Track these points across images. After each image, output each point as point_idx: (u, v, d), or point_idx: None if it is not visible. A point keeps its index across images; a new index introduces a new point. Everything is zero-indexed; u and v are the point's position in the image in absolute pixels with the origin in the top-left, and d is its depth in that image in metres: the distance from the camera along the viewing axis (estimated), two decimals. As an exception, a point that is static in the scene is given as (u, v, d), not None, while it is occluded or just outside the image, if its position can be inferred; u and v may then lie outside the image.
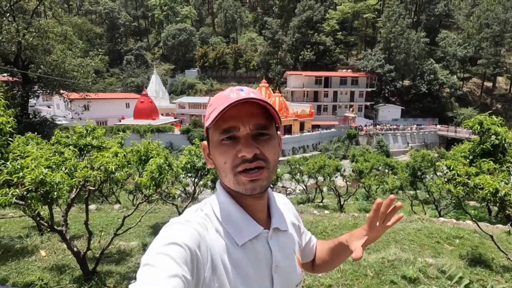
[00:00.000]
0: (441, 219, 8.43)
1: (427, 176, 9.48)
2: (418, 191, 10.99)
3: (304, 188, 15.12)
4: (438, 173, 9.34)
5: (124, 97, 39.52)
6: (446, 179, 3.95)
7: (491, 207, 9.49)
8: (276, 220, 0.79)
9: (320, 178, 13.18)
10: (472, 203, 10.80)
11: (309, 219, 8.08)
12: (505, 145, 4.14)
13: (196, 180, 6.73)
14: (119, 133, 4.26)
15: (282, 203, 0.90)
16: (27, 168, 2.41)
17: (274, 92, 36.48)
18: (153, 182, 3.20)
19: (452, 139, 33.06)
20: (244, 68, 51.33)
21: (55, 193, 2.51)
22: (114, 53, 55.30)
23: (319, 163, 11.34)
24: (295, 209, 0.96)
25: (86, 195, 3.45)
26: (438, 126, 37.30)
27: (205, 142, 0.78)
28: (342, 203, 11.82)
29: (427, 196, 10.26)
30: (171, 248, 0.57)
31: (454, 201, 8.68)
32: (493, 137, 4.13)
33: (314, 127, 36.30)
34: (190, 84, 49.36)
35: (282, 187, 17.46)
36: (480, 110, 41.09)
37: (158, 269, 0.53)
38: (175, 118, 39.42)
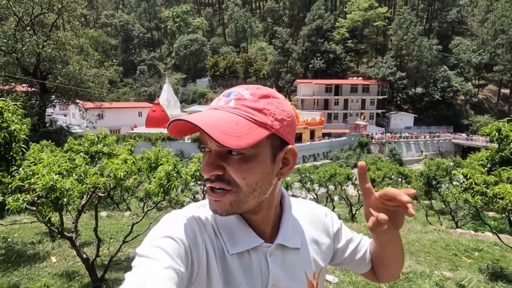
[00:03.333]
0: (459, 230, 8.09)
1: (442, 185, 9.18)
2: (433, 201, 10.63)
3: (315, 197, 14.89)
4: (454, 183, 9.02)
5: (137, 106, 40.42)
6: (463, 188, 3.78)
7: (512, 218, 9.08)
8: (283, 236, 0.70)
9: (331, 187, 12.96)
10: (491, 214, 10.35)
11: (320, 228, 7.90)
12: (526, 153, 3.95)
13: (205, 188, 6.73)
14: (130, 141, 4.31)
15: (307, 215, 0.79)
16: (38, 174, 2.45)
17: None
18: (162, 189, 3.19)
19: (468, 148, 32.07)
20: (254, 77, 51.77)
21: (65, 199, 2.53)
22: (128, 63, 56.94)
23: (330, 171, 11.18)
24: (334, 221, 0.83)
25: (96, 202, 3.48)
26: (464, 135, 36.09)
27: None
28: (353, 212, 11.56)
29: (443, 206, 9.91)
30: (166, 242, 0.57)
31: (472, 211, 8.35)
32: (512, 144, 3.96)
33: (325, 135, 35.98)
34: (201, 93, 50.09)
35: (292, 195, 17.24)
36: (497, 118, 39.76)
37: (153, 261, 0.53)
38: (186, 126, 39.86)
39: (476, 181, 3.34)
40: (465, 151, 31.83)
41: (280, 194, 0.73)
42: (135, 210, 9.11)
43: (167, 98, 43.37)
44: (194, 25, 59.95)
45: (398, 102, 43.35)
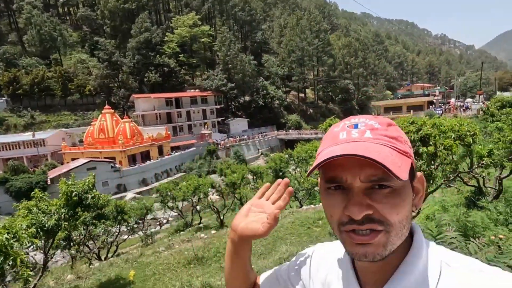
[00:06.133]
0: (304, 207, 10.15)
1: (286, 174, 11.19)
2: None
3: (179, 213, 14.40)
4: (295, 170, 11.23)
5: None
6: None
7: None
8: None
9: (195, 199, 12.94)
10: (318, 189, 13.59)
11: (199, 244, 7.73)
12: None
13: (48, 243, 5.00)
14: None
15: None
16: None
17: (122, 118, 33.09)
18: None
19: (289, 141, 40.76)
20: (77, 94, 43.72)
21: None
22: None
23: (193, 184, 11.12)
24: None
25: None
26: (283, 131, 45.11)
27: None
28: (222, 218, 12.05)
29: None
30: (268, 278, 0.78)
31: (308, 189, 10.69)
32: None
33: (174, 148, 35.44)
34: (-4, 119, 37.06)
35: (152, 219, 15.95)
36: (301, 116, 53.09)
37: None
38: (-24, 167, 28.40)
39: (306, 169, 4.30)
40: (287, 144, 40.27)
41: None
42: None
43: None
44: (-34, 28, 43.45)
45: (233, 110, 48.94)
